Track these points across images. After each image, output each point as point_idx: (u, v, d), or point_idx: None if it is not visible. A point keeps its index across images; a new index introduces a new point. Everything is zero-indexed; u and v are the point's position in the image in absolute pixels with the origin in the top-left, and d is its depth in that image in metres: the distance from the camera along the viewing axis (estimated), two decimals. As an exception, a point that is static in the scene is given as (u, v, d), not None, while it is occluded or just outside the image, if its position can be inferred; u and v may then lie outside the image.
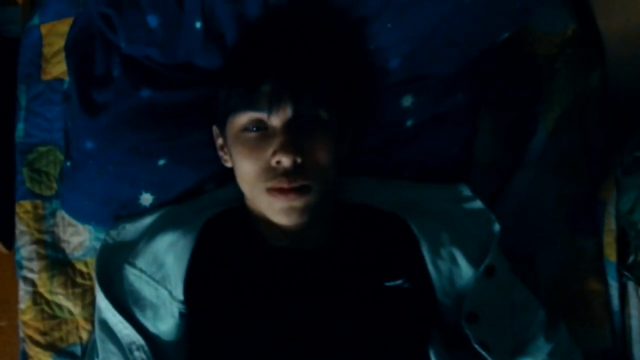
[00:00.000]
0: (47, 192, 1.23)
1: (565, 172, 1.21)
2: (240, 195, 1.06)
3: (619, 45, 1.22)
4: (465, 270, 1.00)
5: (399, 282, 0.97)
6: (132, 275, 1.04)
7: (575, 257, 1.19)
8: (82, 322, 1.18)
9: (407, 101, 1.12)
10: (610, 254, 1.19)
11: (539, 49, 1.23)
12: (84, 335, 1.18)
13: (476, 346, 0.95)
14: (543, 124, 1.20)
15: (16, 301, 1.21)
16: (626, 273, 1.18)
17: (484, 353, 0.95)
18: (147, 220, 1.11)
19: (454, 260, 1.01)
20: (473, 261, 1.01)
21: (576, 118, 1.22)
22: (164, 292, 1.01)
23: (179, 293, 1.00)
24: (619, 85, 1.24)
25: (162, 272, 1.02)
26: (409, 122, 1.13)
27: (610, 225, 1.19)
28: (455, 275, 1.01)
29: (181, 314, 1.01)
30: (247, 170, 0.96)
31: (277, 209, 0.95)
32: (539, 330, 1.04)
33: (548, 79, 1.22)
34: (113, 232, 1.11)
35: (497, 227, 1.04)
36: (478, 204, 1.08)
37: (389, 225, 1.04)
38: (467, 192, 1.09)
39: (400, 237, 1.02)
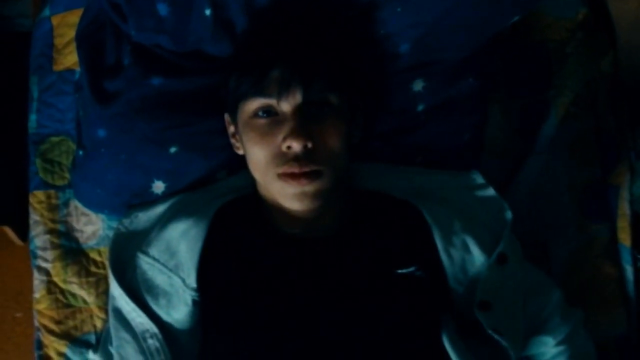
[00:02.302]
0: (60, 182, 1.23)
1: (578, 157, 1.20)
2: (252, 183, 1.07)
3: (630, 30, 1.21)
4: (478, 258, 1.00)
5: (411, 269, 0.96)
6: (145, 263, 1.04)
7: (588, 242, 1.19)
8: (96, 311, 1.19)
9: (417, 86, 1.11)
10: (625, 238, 1.18)
11: (549, 34, 1.23)
12: (98, 324, 1.19)
13: (490, 332, 0.95)
14: (554, 110, 1.19)
15: (31, 292, 1.22)
16: (640, 257, 1.17)
17: (497, 337, 0.94)
18: (160, 209, 1.11)
19: (466, 248, 1.00)
20: (485, 249, 1.00)
21: (588, 103, 1.22)
22: (177, 280, 1.02)
23: (192, 281, 1.01)
24: (631, 70, 1.23)
25: (175, 260, 1.03)
26: (420, 107, 1.12)
27: (624, 209, 1.19)
28: (467, 262, 1.00)
29: (194, 302, 1.01)
30: (258, 156, 0.97)
31: (289, 195, 0.96)
32: (555, 310, 1.04)
33: (559, 64, 1.22)
34: (126, 221, 1.12)
35: (509, 214, 1.04)
36: (490, 191, 1.07)
37: (402, 212, 1.03)
38: (479, 179, 1.09)
39: (412, 224, 1.02)
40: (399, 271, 0.96)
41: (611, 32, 1.22)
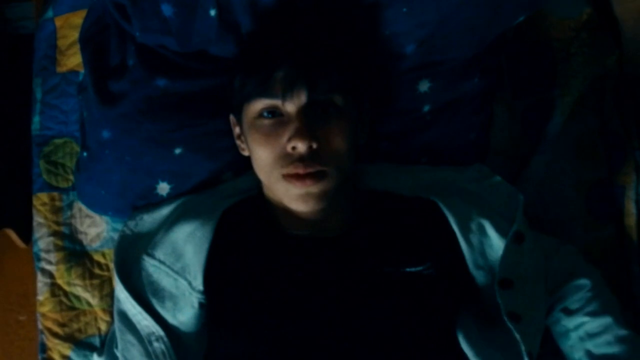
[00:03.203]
0: (63, 184, 1.23)
1: (583, 157, 1.20)
2: (258, 185, 1.07)
3: (635, 29, 1.21)
4: (496, 241, 1.00)
5: (420, 267, 0.96)
6: (151, 266, 1.04)
7: (595, 242, 1.18)
8: (100, 313, 1.19)
9: (423, 86, 1.11)
10: (630, 238, 1.17)
11: (554, 34, 1.22)
12: (103, 327, 1.18)
13: (505, 318, 0.94)
14: (559, 109, 1.19)
15: (35, 295, 1.22)
16: (646, 257, 1.17)
17: (510, 325, 0.94)
18: (165, 211, 1.11)
19: (483, 232, 1.01)
20: (502, 231, 1.00)
21: (593, 102, 1.21)
22: (183, 283, 1.01)
23: (199, 283, 1.00)
24: (636, 69, 1.22)
25: (181, 262, 1.02)
26: (426, 108, 1.12)
27: (630, 209, 1.18)
28: (486, 246, 1.01)
29: (201, 305, 1.01)
30: (263, 157, 0.96)
31: (294, 196, 0.95)
32: (578, 257, 1.08)
33: (564, 63, 1.21)
34: (131, 223, 1.11)
35: (520, 196, 1.05)
36: (497, 178, 1.08)
37: (412, 209, 1.03)
38: (484, 169, 1.09)
39: (425, 219, 1.02)
40: (408, 270, 0.96)
41: (616, 31, 1.21)
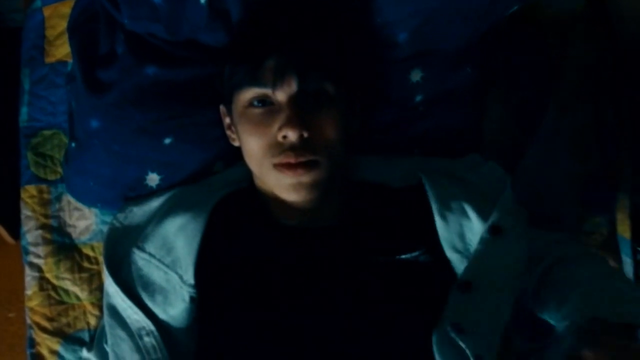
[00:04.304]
0: (52, 177, 1.22)
1: (577, 149, 1.19)
2: (249, 176, 1.06)
3: (629, 21, 1.21)
4: (477, 225, 0.96)
5: (415, 254, 0.95)
6: (141, 259, 1.03)
7: (588, 235, 1.18)
8: (89, 307, 1.18)
9: (416, 76, 1.10)
10: (624, 230, 1.18)
11: (548, 26, 1.21)
12: (92, 321, 1.17)
13: (448, 328, 0.89)
14: (553, 102, 1.18)
15: (24, 291, 1.21)
16: (640, 249, 1.17)
17: (453, 335, 0.89)
18: (155, 203, 1.10)
19: (464, 213, 0.97)
20: (484, 217, 0.96)
21: (587, 95, 1.20)
22: (174, 277, 1.00)
23: (190, 277, 0.99)
24: (630, 61, 1.22)
25: (172, 256, 1.01)
26: (419, 98, 1.11)
27: (624, 202, 1.18)
28: (466, 228, 0.97)
29: (192, 299, 1.00)
30: (253, 146, 0.95)
31: (285, 185, 0.95)
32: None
33: (558, 56, 1.20)
34: (120, 216, 1.10)
35: (508, 180, 1.01)
36: (490, 164, 1.05)
37: (404, 199, 1.02)
38: (478, 159, 1.07)
39: (416, 206, 1.00)
40: (403, 257, 0.95)
41: (611, 23, 1.21)
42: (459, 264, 0.96)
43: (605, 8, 1.22)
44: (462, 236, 0.97)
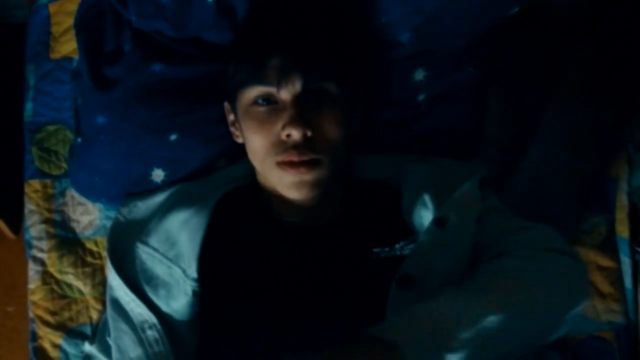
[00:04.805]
0: (56, 171, 1.22)
1: (576, 149, 1.20)
2: (252, 172, 1.06)
3: (629, 21, 1.22)
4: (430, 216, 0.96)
5: (387, 249, 0.96)
6: (145, 253, 1.03)
7: (587, 234, 1.18)
8: (92, 302, 1.18)
9: (418, 75, 1.11)
10: (623, 230, 1.19)
11: (548, 26, 1.22)
12: (94, 315, 1.18)
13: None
14: (553, 101, 1.19)
15: (24, 286, 1.21)
16: (638, 249, 1.18)
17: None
18: (159, 198, 1.10)
19: (424, 203, 0.97)
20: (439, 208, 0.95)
21: (586, 94, 1.22)
22: (177, 271, 1.01)
23: (193, 271, 1.00)
24: (630, 61, 1.23)
25: (175, 250, 1.02)
26: (421, 97, 1.12)
27: (622, 201, 1.19)
28: (424, 219, 0.96)
29: (194, 293, 1.00)
30: (257, 144, 0.96)
31: (287, 183, 0.95)
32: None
33: (557, 55, 1.21)
34: (124, 210, 1.11)
35: (475, 176, 0.99)
36: (475, 161, 1.06)
37: (399, 197, 1.02)
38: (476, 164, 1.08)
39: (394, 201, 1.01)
40: (404, 253, 0.96)
41: (610, 22, 1.22)
42: None
43: (604, 9, 1.23)
44: (420, 227, 0.97)
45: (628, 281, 1.18)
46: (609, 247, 1.18)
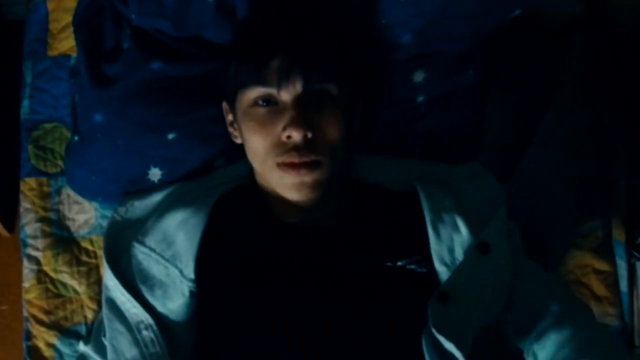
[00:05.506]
0: (52, 170, 1.22)
1: (574, 152, 1.21)
2: (250, 172, 1.06)
3: (628, 24, 1.22)
4: (466, 239, 0.97)
5: (404, 262, 0.96)
6: (141, 253, 1.03)
7: (584, 238, 1.19)
8: (87, 301, 1.17)
9: (418, 77, 1.11)
10: (619, 234, 1.19)
11: (548, 29, 1.23)
12: (89, 315, 1.17)
13: (433, 330, 0.90)
14: (552, 104, 1.20)
15: (18, 285, 1.21)
16: (635, 253, 1.18)
17: (440, 338, 0.89)
18: (156, 197, 1.10)
19: (455, 226, 0.98)
20: (475, 231, 0.97)
21: (585, 98, 1.22)
22: (174, 271, 1.01)
23: (190, 272, 1.00)
24: (629, 64, 1.24)
25: (172, 250, 1.02)
26: (420, 98, 1.12)
27: (619, 205, 1.19)
28: (456, 243, 0.97)
29: (191, 293, 1.00)
30: (257, 145, 0.96)
31: (287, 184, 0.95)
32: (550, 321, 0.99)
33: (557, 59, 1.22)
34: (121, 209, 1.10)
35: (504, 202, 1.02)
36: (489, 177, 1.06)
37: (398, 206, 1.03)
38: (478, 168, 1.08)
39: (409, 215, 1.01)
40: (397, 264, 0.96)
41: (610, 27, 1.22)
42: (444, 276, 0.97)
43: (604, 13, 1.24)
44: (451, 250, 0.97)
45: (624, 285, 1.18)
46: (605, 250, 1.19)
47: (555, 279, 1.06)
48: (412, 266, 0.97)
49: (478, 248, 0.96)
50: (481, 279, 0.96)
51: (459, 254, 0.97)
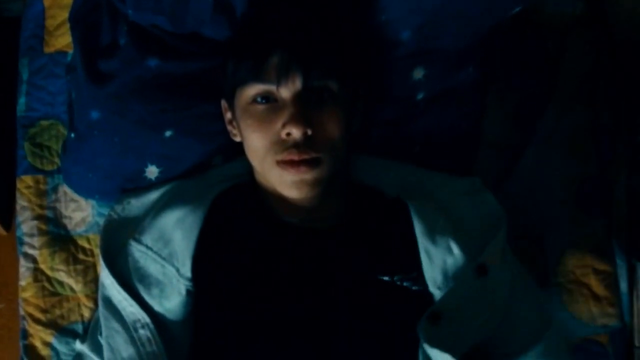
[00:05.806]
0: (48, 167, 1.21)
1: (574, 152, 1.21)
2: (249, 170, 1.05)
3: (628, 24, 1.22)
4: (460, 261, 0.96)
5: (395, 277, 0.96)
6: (138, 251, 1.02)
7: (584, 237, 1.19)
8: (83, 300, 1.17)
9: (418, 74, 1.10)
10: (619, 234, 1.18)
11: (548, 28, 1.23)
12: (86, 313, 1.17)
13: (425, 345, 0.90)
14: (552, 103, 1.20)
15: (15, 284, 1.20)
16: (635, 254, 1.17)
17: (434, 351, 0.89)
18: (153, 195, 1.09)
19: (449, 249, 0.97)
20: (469, 253, 0.97)
21: (585, 97, 1.22)
22: (171, 270, 1.00)
23: (187, 270, 0.99)
24: (627, 64, 1.23)
25: (169, 248, 1.01)
26: (420, 95, 1.11)
27: (619, 205, 1.19)
28: (449, 265, 0.96)
29: (188, 292, 1.00)
30: (256, 143, 0.95)
31: (287, 182, 0.94)
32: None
33: (557, 57, 1.22)
34: (118, 207, 1.10)
35: (504, 224, 1.01)
36: (488, 196, 1.05)
37: (391, 214, 1.02)
38: (477, 183, 1.07)
39: (400, 228, 1.00)
40: (393, 278, 0.96)
41: (609, 26, 1.22)
42: (438, 296, 0.96)
43: (604, 12, 1.23)
44: (444, 272, 0.96)
45: (624, 285, 1.19)
46: (605, 250, 1.19)
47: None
48: (407, 283, 0.96)
49: (476, 270, 0.95)
50: (477, 300, 0.95)
51: (452, 276, 0.96)
